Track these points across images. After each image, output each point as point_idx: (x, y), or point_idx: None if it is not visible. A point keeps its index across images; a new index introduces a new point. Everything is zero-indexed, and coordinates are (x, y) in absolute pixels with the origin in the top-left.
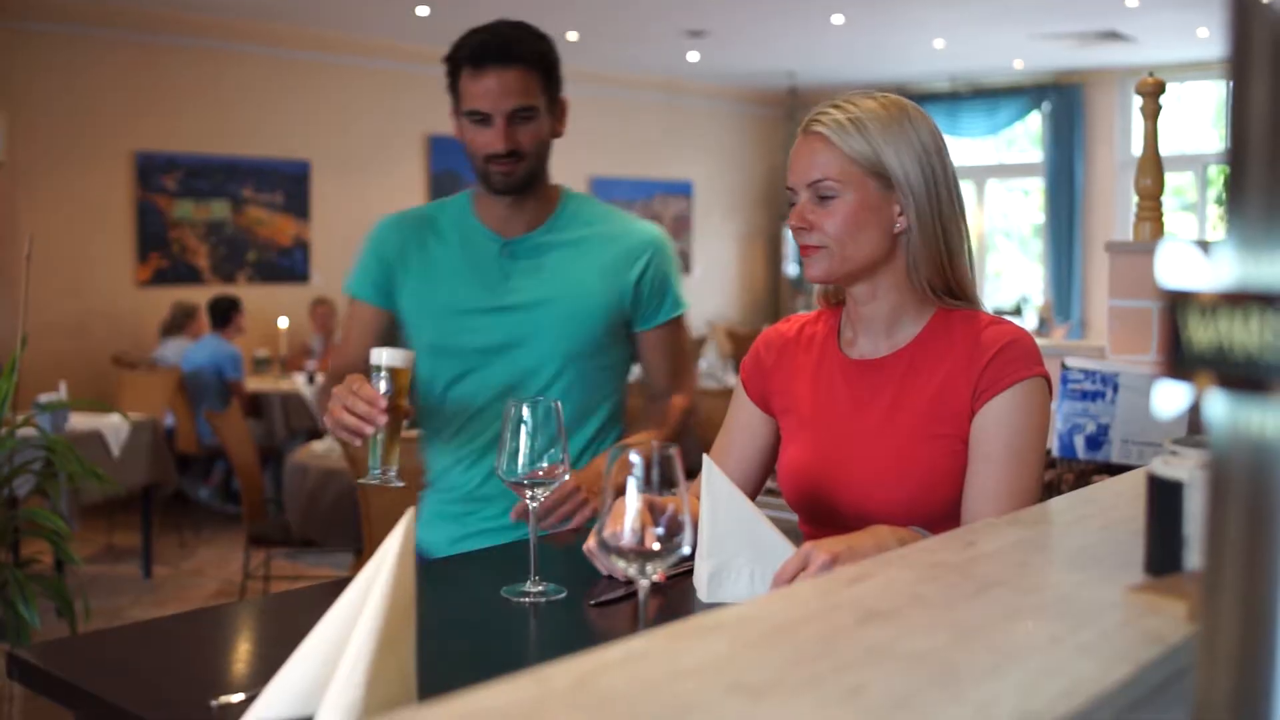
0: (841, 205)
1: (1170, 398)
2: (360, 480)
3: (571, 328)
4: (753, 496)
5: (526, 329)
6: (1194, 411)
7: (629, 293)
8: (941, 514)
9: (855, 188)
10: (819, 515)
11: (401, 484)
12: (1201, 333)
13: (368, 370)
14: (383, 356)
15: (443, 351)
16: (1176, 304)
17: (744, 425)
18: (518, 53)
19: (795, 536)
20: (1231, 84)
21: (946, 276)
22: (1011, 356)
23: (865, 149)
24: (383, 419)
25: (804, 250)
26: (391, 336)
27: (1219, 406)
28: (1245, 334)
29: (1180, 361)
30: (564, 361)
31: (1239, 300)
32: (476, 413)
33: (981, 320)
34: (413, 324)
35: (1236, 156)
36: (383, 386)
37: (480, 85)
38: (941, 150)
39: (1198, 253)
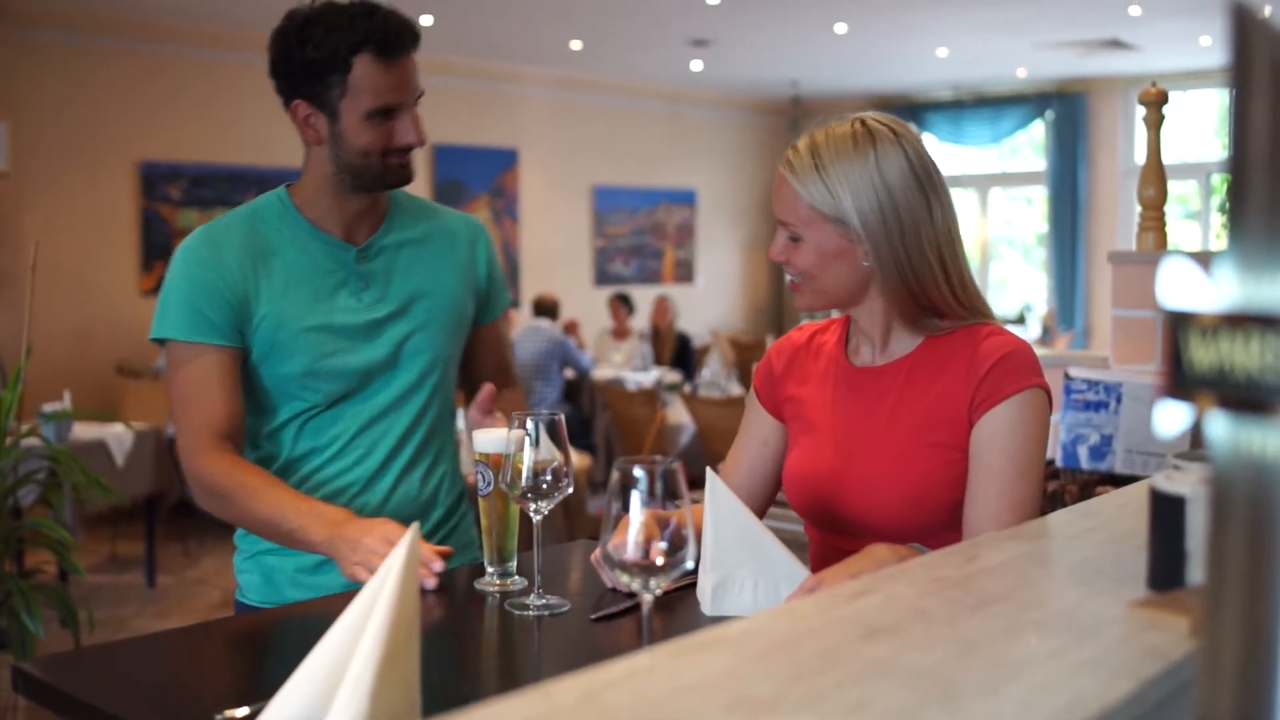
0: (806, 248)
1: (1171, 418)
2: (476, 584)
3: (447, 331)
4: (767, 505)
5: (406, 338)
6: (1198, 427)
7: (481, 287)
8: (937, 521)
9: (816, 234)
10: (821, 518)
11: (525, 582)
12: (1202, 353)
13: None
14: (488, 444)
15: (320, 377)
16: (1178, 324)
17: (756, 433)
18: (416, 34)
19: (798, 548)
20: (1232, 104)
21: (921, 304)
22: (1010, 368)
23: (824, 196)
24: (432, 582)
25: (790, 282)
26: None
27: (1220, 427)
28: (1246, 355)
29: (1181, 382)
30: (443, 368)
31: (1240, 322)
32: (352, 439)
33: (981, 331)
34: (274, 353)
35: (1237, 177)
36: (483, 480)
37: (393, 76)
38: (910, 186)
39: (1199, 272)
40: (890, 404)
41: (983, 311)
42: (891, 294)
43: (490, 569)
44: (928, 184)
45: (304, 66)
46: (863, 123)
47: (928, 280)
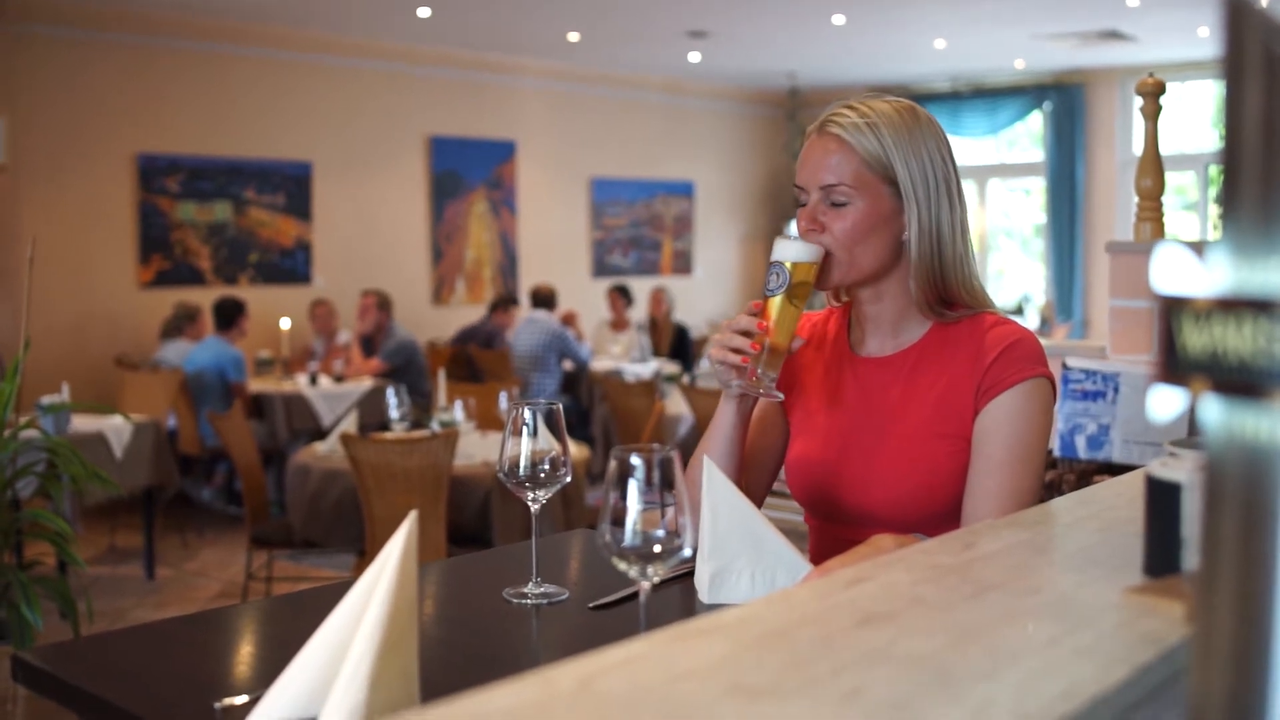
0: (854, 211)
1: (1165, 402)
2: (734, 384)
3: None
4: (765, 491)
5: None
6: (1193, 413)
7: None
8: (943, 512)
9: (869, 195)
10: (823, 508)
11: (779, 396)
12: (1196, 338)
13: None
14: (790, 251)
15: None
16: (1171, 309)
17: (757, 420)
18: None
19: (797, 537)
20: (1225, 92)
21: (939, 290)
22: (1015, 357)
23: (880, 155)
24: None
25: None
26: None
27: (1214, 411)
28: (1239, 339)
29: (1175, 366)
30: None
31: (1233, 306)
32: None
33: (987, 321)
34: None
35: (1230, 163)
36: (776, 279)
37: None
38: (947, 159)
39: (1192, 258)
40: (897, 395)
41: (987, 302)
42: (919, 272)
43: (761, 369)
44: (954, 167)
45: None
46: (897, 99)
47: (950, 260)
